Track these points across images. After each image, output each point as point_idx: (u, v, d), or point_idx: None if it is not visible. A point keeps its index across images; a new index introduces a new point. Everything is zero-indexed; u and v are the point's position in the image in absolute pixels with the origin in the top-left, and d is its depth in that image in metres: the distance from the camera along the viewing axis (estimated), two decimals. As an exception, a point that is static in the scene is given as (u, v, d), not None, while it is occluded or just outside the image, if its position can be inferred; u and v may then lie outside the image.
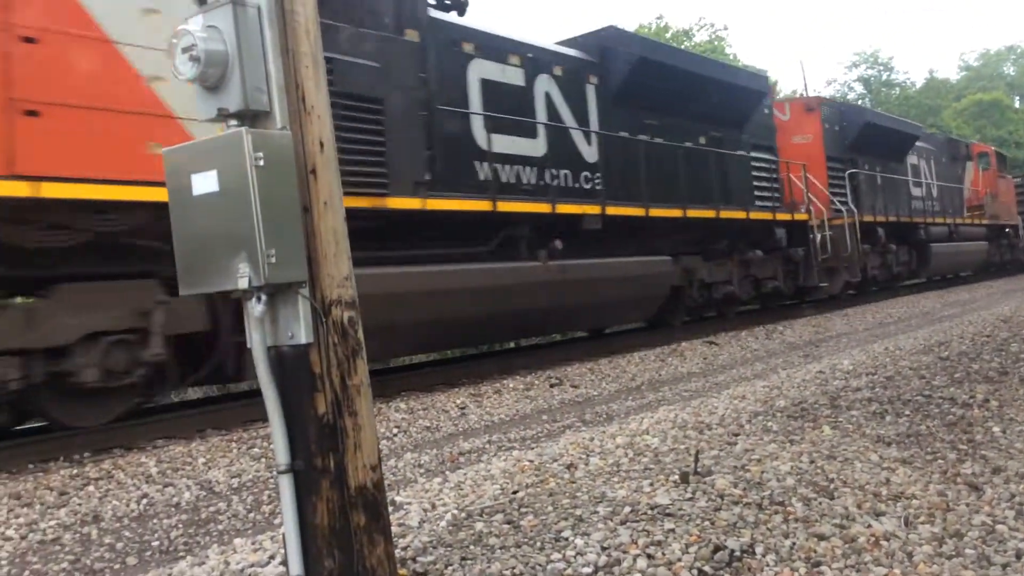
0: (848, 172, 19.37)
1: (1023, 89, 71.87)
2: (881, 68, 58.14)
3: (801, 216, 17.07)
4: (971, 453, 4.51)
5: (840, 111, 20.77)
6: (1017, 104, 65.57)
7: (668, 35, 40.85)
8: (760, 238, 16.04)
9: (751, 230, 15.59)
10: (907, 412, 5.50)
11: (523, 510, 3.80)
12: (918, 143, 23.97)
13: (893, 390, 6.30)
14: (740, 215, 14.82)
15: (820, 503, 3.69)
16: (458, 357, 13.92)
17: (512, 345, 14.95)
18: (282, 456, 2.60)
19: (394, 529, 3.62)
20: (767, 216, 15.73)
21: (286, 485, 2.61)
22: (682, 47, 39.59)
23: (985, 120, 55.24)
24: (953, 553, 3.23)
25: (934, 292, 21.78)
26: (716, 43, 41.24)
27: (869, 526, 3.43)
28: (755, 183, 15.79)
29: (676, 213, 13.03)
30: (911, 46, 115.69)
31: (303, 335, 2.58)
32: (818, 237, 17.24)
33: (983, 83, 66.96)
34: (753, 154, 15.82)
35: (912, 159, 23.45)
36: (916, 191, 23.53)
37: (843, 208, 18.28)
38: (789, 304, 18.73)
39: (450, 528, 3.64)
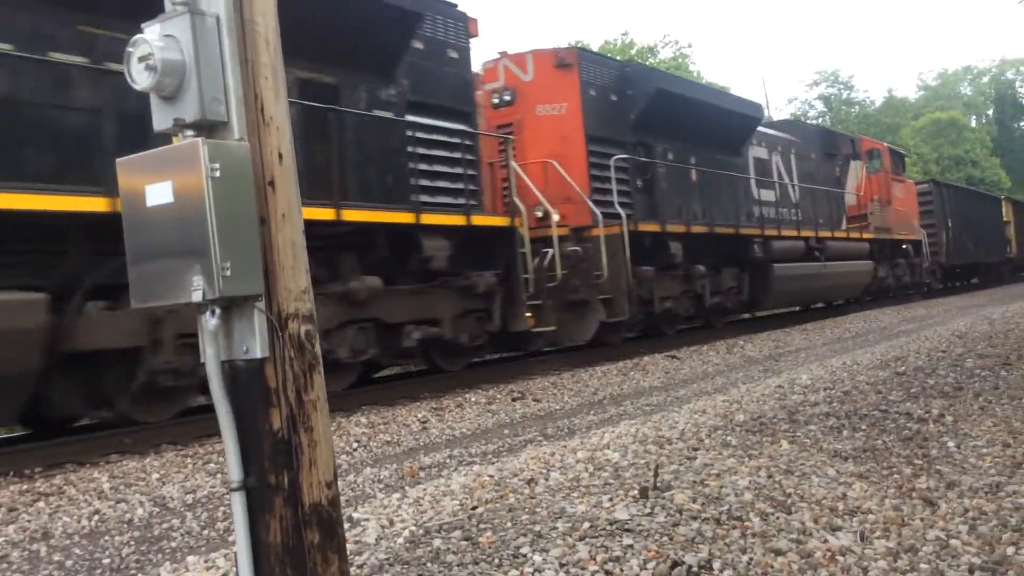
0: (615, 159, 13.52)
1: (979, 109, 73.53)
2: (841, 87, 59.14)
3: (493, 220, 11.10)
4: (926, 468, 4.56)
5: (618, 73, 14.73)
6: (973, 123, 67.01)
7: (633, 51, 41.22)
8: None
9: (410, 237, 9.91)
10: (864, 427, 5.56)
11: (482, 526, 3.78)
12: (768, 132, 19.76)
13: (850, 405, 6.37)
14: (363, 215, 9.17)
15: (777, 518, 3.71)
16: (420, 371, 13.85)
17: (475, 359, 14.89)
18: (235, 473, 2.55)
19: (350, 546, 3.58)
20: (402, 218, 9.65)
21: (238, 502, 2.56)
22: (646, 63, 40.02)
23: (942, 139, 56.38)
24: (908, 568, 3.25)
25: (891, 308, 22.08)
26: (680, 60, 41.67)
27: (825, 541, 3.46)
28: (418, 165, 10.17)
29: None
30: (871, 65, 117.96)
31: (258, 349, 2.54)
32: (549, 254, 11.82)
33: (941, 102, 68.44)
34: (414, 118, 10.16)
35: (758, 151, 18.46)
36: (763, 193, 18.30)
37: (622, 212, 13.13)
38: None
39: (407, 545, 3.60)
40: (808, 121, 55.66)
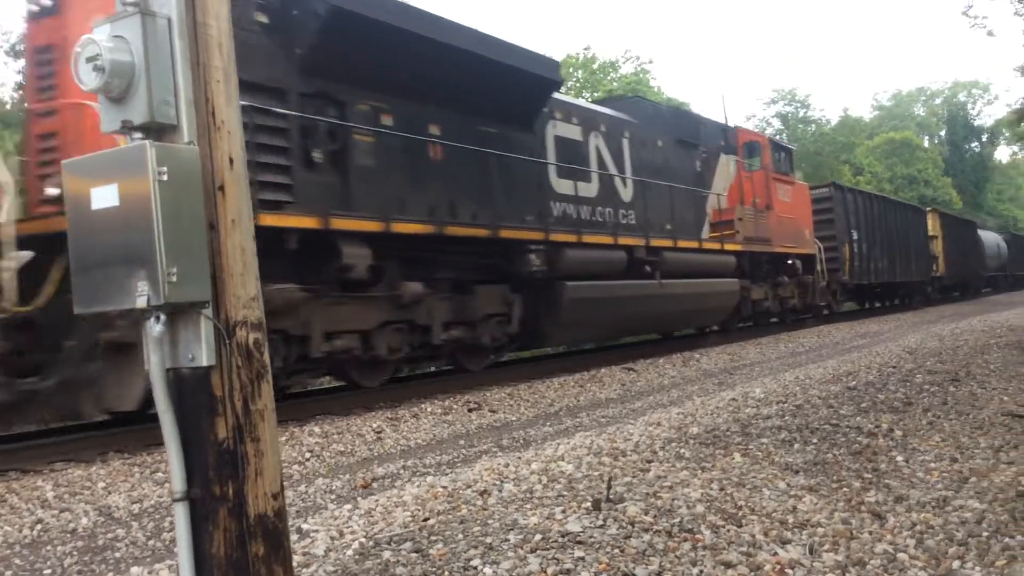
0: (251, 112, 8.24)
1: (931, 129, 75.11)
2: (798, 105, 60.02)
3: None
4: (875, 482, 4.62)
5: None
6: (926, 144, 68.41)
7: (595, 66, 41.48)
8: None
9: None
10: (815, 440, 5.61)
11: (433, 538, 3.74)
12: (587, 107, 15.54)
13: (802, 418, 6.43)
14: None
15: (728, 531, 3.72)
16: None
17: (432, 369, 14.82)
18: (178, 483, 2.50)
19: (298, 558, 3.52)
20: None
21: (181, 513, 2.51)
22: (607, 78, 40.31)
23: (896, 158, 57.43)
24: (855, 581, 3.28)
25: (845, 324, 22.35)
26: (641, 75, 42.00)
27: (775, 554, 3.47)
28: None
29: None
30: (828, 84, 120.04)
31: (204, 357, 2.49)
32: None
33: (895, 122, 69.82)
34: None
35: (566, 129, 13.53)
36: (571, 186, 13.41)
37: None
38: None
39: (356, 557, 3.56)
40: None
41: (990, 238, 44.66)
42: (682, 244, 15.75)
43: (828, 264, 22.82)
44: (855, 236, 25.18)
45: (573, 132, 13.78)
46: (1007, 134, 64.06)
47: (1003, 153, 77.64)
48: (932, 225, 34.15)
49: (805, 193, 22.42)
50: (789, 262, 20.60)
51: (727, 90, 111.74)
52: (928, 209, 35.92)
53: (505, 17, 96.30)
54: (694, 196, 17.16)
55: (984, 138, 73.06)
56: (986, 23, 40.30)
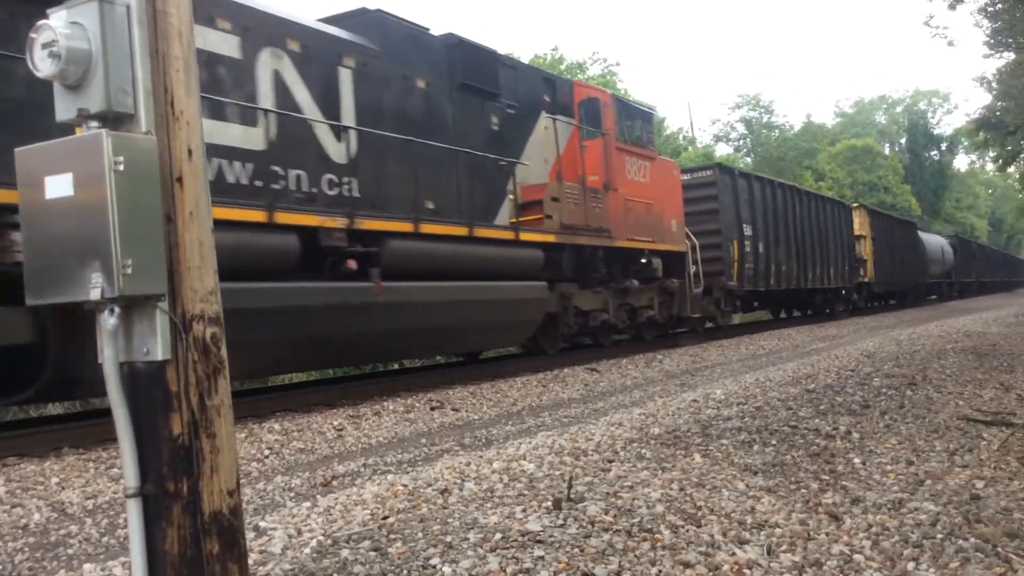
0: None
1: (892, 137, 76.32)
2: (763, 110, 60.62)
3: None
4: (832, 483, 4.66)
5: None
6: (887, 151, 69.47)
7: (563, 67, 41.59)
8: None
9: None
10: (774, 442, 5.66)
11: (392, 536, 3.71)
12: (259, 9, 9.43)
13: (761, 420, 6.48)
14: None
15: (687, 531, 3.73)
16: (339, 377, 13.65)
17: (396, 366, 14.75)
18: (131, 479, 2.45)
19: (254, 556, 3.48)
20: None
21: (135, 510, 2.46)
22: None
23: (857, 164, 58.23)
24: (811, 582, 3.31)
25: (805, 327, 22.56)
26: (608, 77, 42.19)
27: (733, 554, 3.49)
28: None
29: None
30: (791, 91, 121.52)
31: (160, 351, 2.45)
32: None
33: (856, 129, 70.88)
34: None
35: (210, 38, 8.56)
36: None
37: None
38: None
39: (314, 555, 3.52)
40: (730, 147, 56.65)
41: (933, 241, 40.67)
42: (431, 229, 10.74)
43: (708, 266, 18.16)
44: (748, 232, 20.61)
45: (220, 43, 8.74)
46: (966, 143, 65.21)
47: (961, 162, 79.19)
48: (859, 223, 29.25)
49: (672, 174, 17.47)
50: (644, 261, 15.77)
51: (693, 94, 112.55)
52: (854, 205, 31.07)
53: (476, 16, 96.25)
54: (482, 165, 12.22)
55: (943, 146, 74.36)
56: (947, 33, 41.06)
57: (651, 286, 16.29)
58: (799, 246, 23.80)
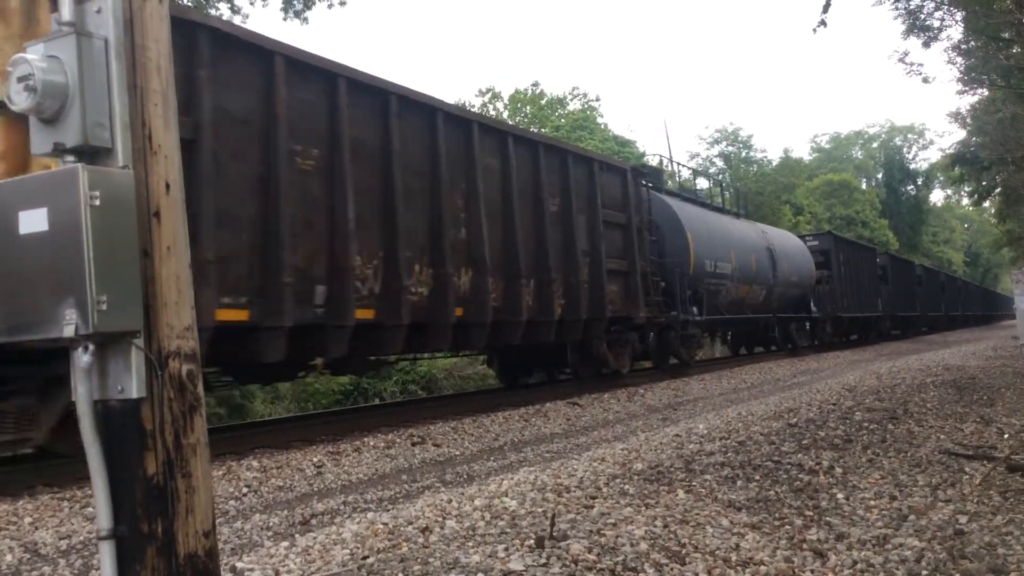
0: None
1: (869, 172, 77.28)
2: (741, 145, 61.24)
3: None
4: (816, 519, 4.63)
5: None
6: (864, 186, 70.28)
7: (543, 101, 41.94)
8: None
9: None
10: (757, 477, 5.62)
11: (372, 577, 3.64)
12: None
13: (744, 455, 6.45)
14: None
15: (672, 569, 3.69)
16: (318, 412, 13.53)
17: (376, 400, 14.66)
18: (104, 520, 2.39)
19: (231, 598, 3.40)
20: None
21: (108, 552, 2.40)
22: (555, 114, 40.76)
23: (835, 199, 58.82)
24: (797, 620, 3.26)
25: (787, 360, 22.61)
26: (588, 112, 42.54)
27: (718, 593, 3.45)
28: None
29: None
30: (769, 126, 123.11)
31: (134, 389, 2.40)
32: None
33: (833, 164, 71.69)
34: None
35: None
36: None
37: None
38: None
39: (292, 597, 3.44)
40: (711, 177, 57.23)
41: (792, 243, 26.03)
42: None
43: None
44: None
45: None
46: (941, 178, 66.12)
47: (937, 196, 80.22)
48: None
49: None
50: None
51: (672, 128, 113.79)
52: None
53: (459, 52, 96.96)
54: None
55: (920, 181, 75.32)
56: (922, 70, 41.71)
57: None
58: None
